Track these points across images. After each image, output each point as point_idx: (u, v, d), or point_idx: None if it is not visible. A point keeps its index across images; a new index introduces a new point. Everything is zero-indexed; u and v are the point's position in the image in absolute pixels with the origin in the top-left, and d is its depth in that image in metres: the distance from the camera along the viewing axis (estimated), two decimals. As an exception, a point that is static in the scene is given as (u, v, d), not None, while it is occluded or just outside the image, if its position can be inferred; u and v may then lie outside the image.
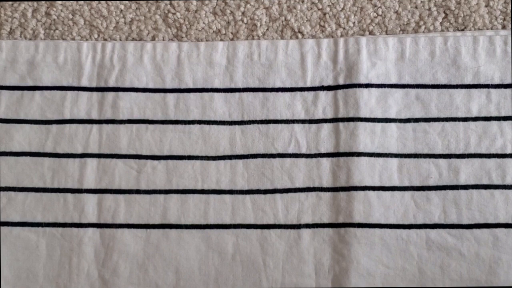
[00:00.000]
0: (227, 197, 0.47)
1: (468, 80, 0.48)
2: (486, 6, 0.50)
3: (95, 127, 0.48)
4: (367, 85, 0.48)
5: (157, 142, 0.48)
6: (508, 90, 0.48)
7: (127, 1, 0.52)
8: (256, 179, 0.47)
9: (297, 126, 0.48)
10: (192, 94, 0.49)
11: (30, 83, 0.49)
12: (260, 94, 0.49)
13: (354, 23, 0.51)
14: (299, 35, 0.51)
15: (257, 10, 0.51)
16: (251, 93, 0.49)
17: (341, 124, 0.48)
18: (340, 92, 0.48)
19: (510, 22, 0.50)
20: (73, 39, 0.51)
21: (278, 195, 0.47)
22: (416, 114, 0.48)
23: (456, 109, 0.48)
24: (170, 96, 0.49)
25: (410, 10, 0.51)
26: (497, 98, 0.48)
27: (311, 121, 0.48)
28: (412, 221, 0.46)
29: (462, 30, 0.50)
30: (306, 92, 0.48)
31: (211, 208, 0.47)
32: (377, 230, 0.46)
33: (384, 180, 0.47)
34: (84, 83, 0.49)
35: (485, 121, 0.47)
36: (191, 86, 0.49)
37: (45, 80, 0.49)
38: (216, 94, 0.49)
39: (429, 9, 0.51)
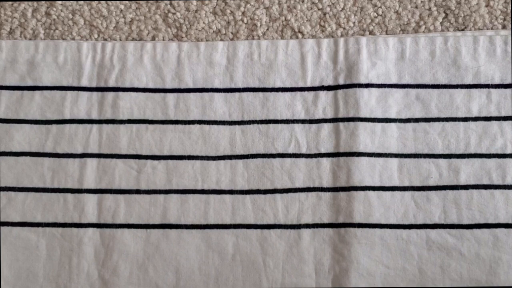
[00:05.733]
0: (227, 197, 0.47)
1: (469, 80, 0.48)
2: (486, 6, 0.50)
3: (95, 127, 0.48)
4: (367, 85, 0.48)
5: (157, 142, 0.48)
6: (508, 90, 0.48)
7: (127, 1, 0.51)
8: (256, 179, 0.47)
9: (297, 126, 0.48)
10: (192, 94, 0.49)
11: (30, 83, 0.49)
12: (260, 94, 0.49)
13: (354, 23, 0.51)
14: (299, 35, 0.51)
15: (257, 10, 0.51)
16: (251, 93, 0.49)
17: (341, 124, 0.48)
18: (340, 92, 0.48)
19: (510, 22, 0.50)
20: (73, 39, 0.51)
21: (278, 195, 0.47)
22: (416, 114, 0.48)
23: (456, 109, 0.48)
24: (170, 96, 0.49)
25: (410, 10, 0.51)
26: (497, 98, 0.48)
27: (311, 121, 0.48)
28: (412, 221, 0.46)
29: (462, 30, 0.50)
30: (306, 92, 0.48)
31: (211, 208, 0.47)
32: (377, 230, 0.46)
33: (384, 180, 0.47)
34: (84, 83, 0.49)
35: (486, 121, 0.47)
36: (191, 86, 0.49)
37: (45, 80, 0.49)
38: (216, 94, 0.49)
39: (429, 9, 0.50)
